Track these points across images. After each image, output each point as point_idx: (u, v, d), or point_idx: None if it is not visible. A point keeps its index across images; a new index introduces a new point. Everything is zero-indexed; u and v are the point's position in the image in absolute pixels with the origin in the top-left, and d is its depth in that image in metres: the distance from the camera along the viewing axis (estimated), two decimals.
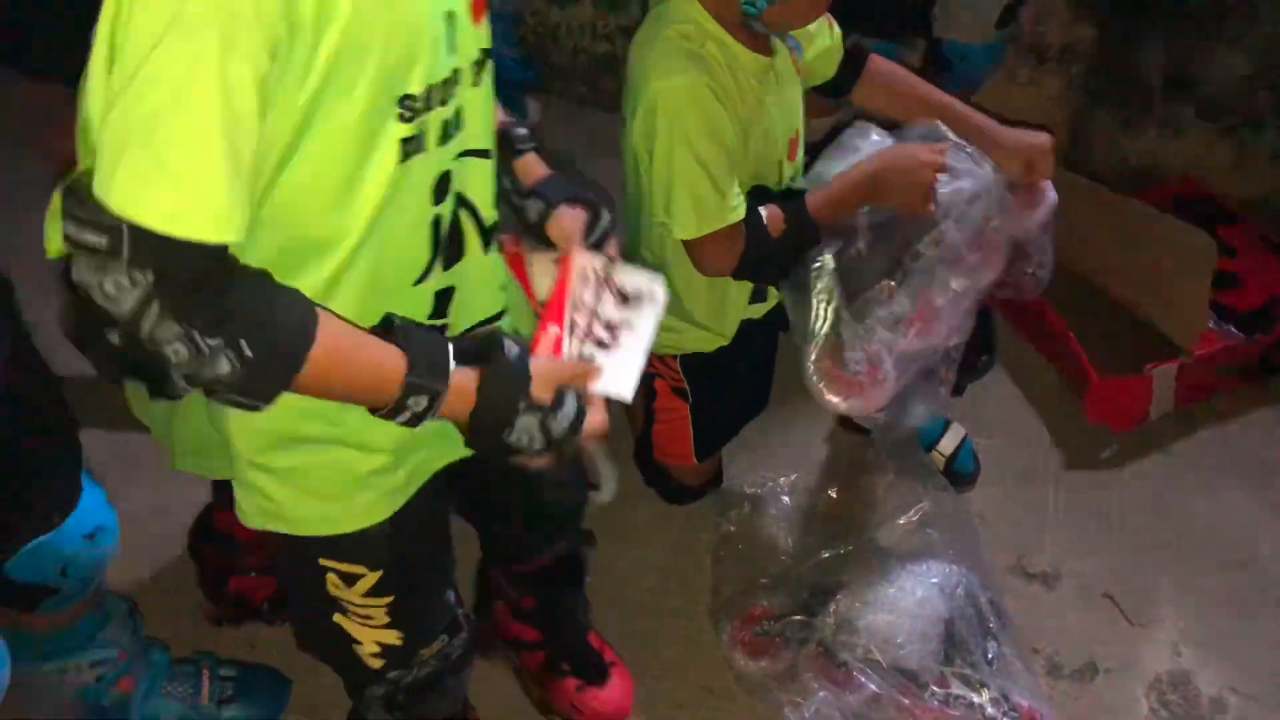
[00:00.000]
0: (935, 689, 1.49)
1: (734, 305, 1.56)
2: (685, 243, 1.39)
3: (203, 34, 0.70)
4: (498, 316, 1.06)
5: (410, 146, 0.85)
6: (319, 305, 0.83)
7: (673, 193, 1.34)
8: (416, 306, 0.95)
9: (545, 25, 2.65)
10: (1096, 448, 1.90)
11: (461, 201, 0.96)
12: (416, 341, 0.87)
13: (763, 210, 1.38)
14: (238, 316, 0.77)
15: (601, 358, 1.02)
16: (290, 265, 0.84)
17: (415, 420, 0.87)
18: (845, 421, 1.91)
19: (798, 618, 1.57)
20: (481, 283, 1.03)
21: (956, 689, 1.50)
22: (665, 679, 1.58)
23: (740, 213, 1.37)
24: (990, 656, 1.52)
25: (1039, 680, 1.55)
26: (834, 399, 1.44)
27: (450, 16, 0.87)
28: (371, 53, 0.79)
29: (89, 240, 0.72)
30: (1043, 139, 1.48)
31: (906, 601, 1.52)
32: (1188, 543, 1.76)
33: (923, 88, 1.56)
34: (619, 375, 1.02)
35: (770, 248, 1.38)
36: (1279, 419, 1.96)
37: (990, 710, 1.47)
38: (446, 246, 0.95)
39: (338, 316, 0.85)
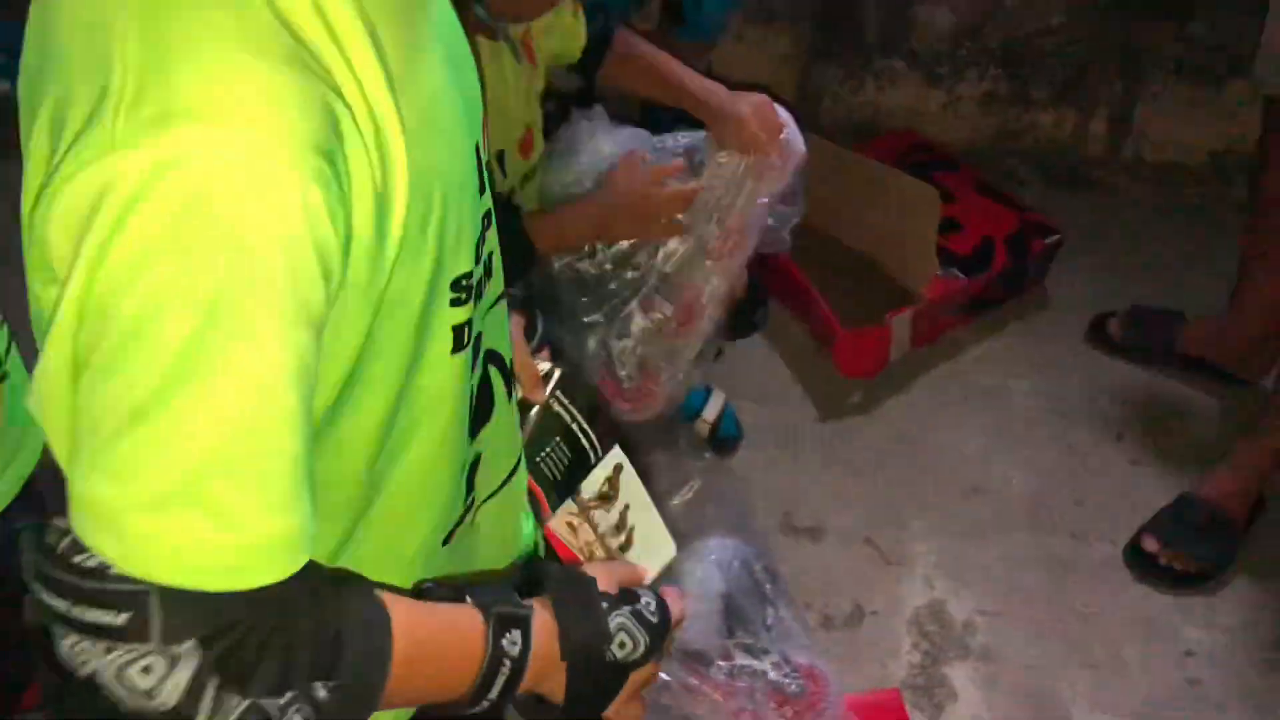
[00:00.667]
0: (721, 664, 1.55)
1: None
2: None
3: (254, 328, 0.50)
4: (515, 468, 0.89)
5: (461, 333, 0.67)
6: (379, 587, 0.64)
7: None
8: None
9: None
10: (844, 395, 2.03)
11: (490, 357, 0.78)
12: (475, 588, 0.71)
13: None
14: (304, 657, 0.57)
15: (633, 553, 1.00)
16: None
17: (509, 682, 0.68)
18: None
19: None
20: (507, 433, 0.85)
21: (741, 660, 1.56)
22: None
23: None
24: (769, 622, 1.59)
25: (813, 635, 1.65)
26: (624, 410, 1.47)
27: (500, 156, 0.77)
28: (430, 226, 0.61)
29: (93, 619, 0.52)
30: (758, 98, 1.49)
31: (686, 583, 1.57)
32: (931, 476, 1.91)
33: (663, 65, 1.53)
34: (654, 546, 1.02)
35: None
36: (998, 349, 2.15)
37: (773, 675, 1.54)
38: (475, 415, 0.77)
39: (399, 593, 0.67)
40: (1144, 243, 2.42)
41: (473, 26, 1.27)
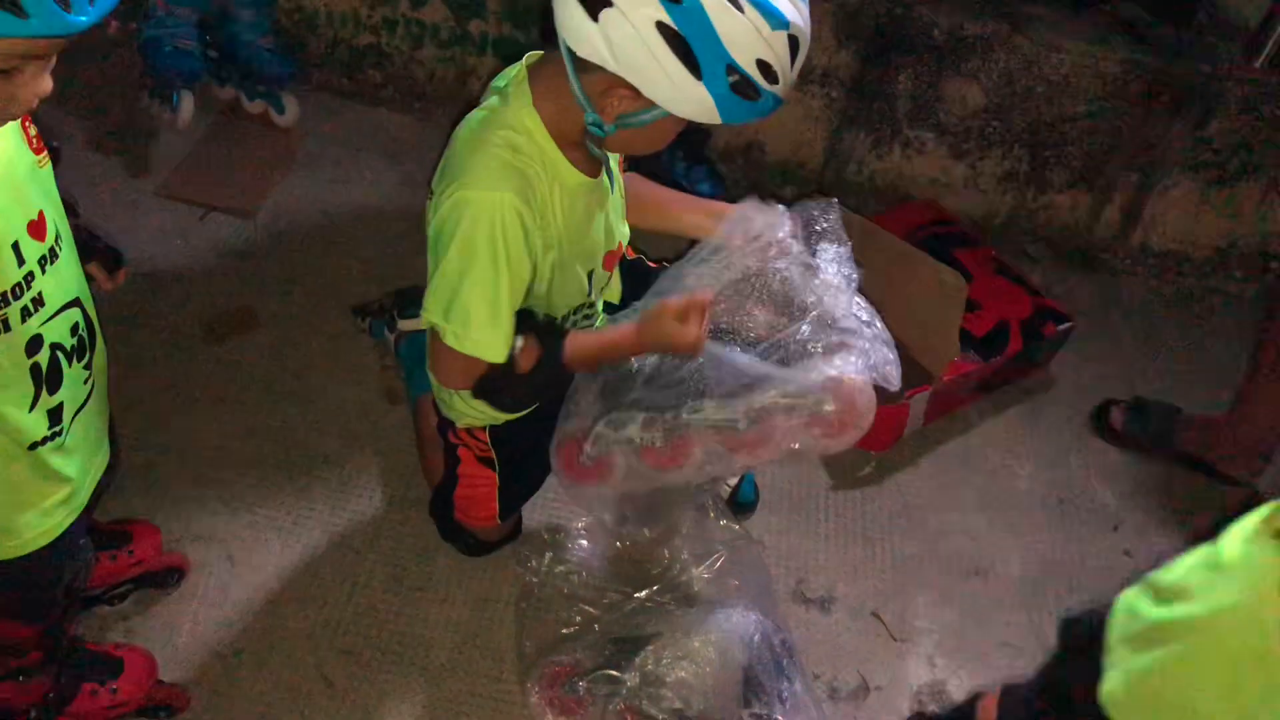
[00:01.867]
0: None
1: None
2: (433, 343, 1.36)
3: None
4: None
5: None
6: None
7: (456, 299, 1.29)
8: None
9: (302, 14, 2.45)
10: (857, 465, 2.08)
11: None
12: None
13: (519, 340, 1.34)
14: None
15: None
16: None
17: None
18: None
19: (604, 673, 1.62)
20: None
21: None
22: None
23: (497, 354, 1.33)
24: (784, 695, 1.64)
25: (824, 709, 1.70)
26: (564, 478, 1.56)
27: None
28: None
29: None
30: (727, 207, 1.55)
31: (709, 653, 1.61)
32: (936, 553, 1.97)
33: (651, 193, 1.61)
34: None
35: (512, 381, 1.36)
36: (1002, 429, 2.22)
37: None
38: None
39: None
40: (1145, 332, 2.51)
41: (581, 164, 1.33)
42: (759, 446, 1.41)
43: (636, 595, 1.72)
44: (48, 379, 1.17)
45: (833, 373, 1.38)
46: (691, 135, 1.68)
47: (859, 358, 1.40)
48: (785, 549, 1.93)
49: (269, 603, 1.70)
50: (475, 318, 1.29)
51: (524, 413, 1.58)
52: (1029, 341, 2.19)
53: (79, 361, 1.22)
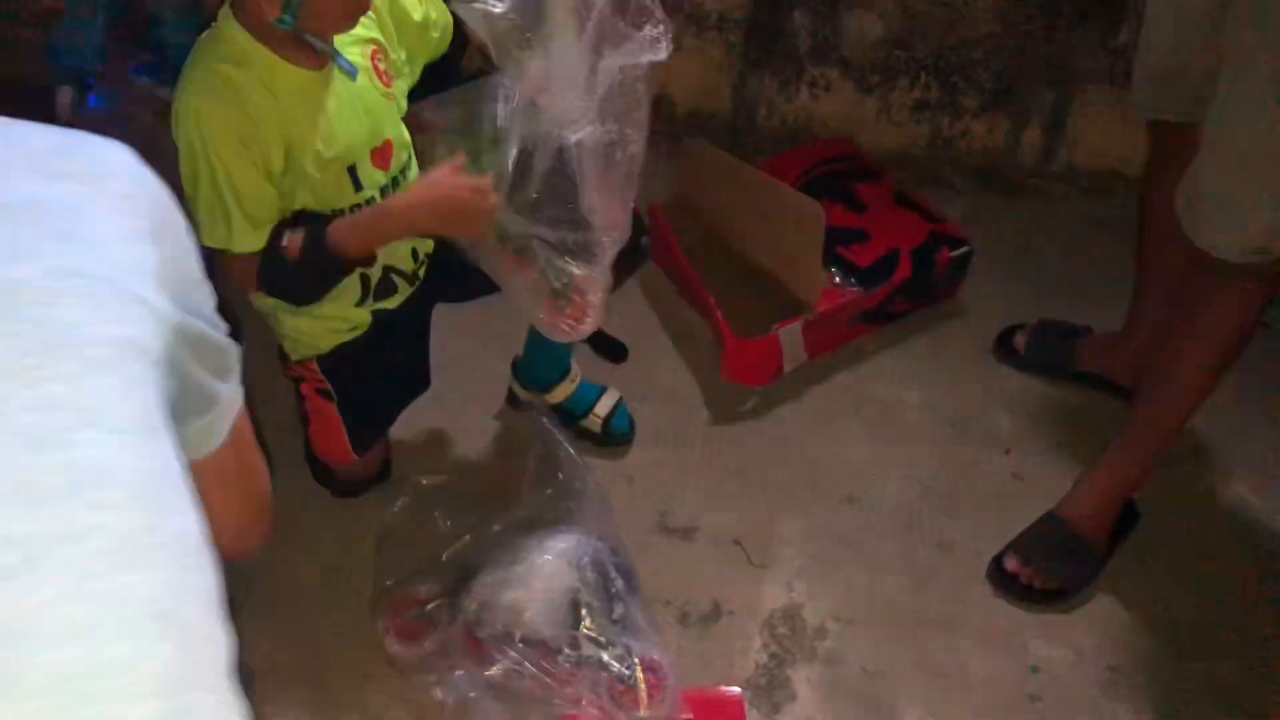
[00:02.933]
0: (568, 652, 1.65)
1: (341, 308, 1.62)
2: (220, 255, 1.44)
3: None
4: None
5: None
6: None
7: (198, 208, 1.39)
8: None
9: None
10: (739, 401, 2.10)
11: None
12: None
13: (285, 235, 1.42)
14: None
15: None
16: None
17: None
18: (511, 398, 2.04)
19: (444, 600, 1.70)
20: None
21: (587, 650, 1.66)
22: (328, 671, 1.68)
23: (248, 243, 1.41)
24: (616, 616, 1.68)
25: (663, 632, 1.73)
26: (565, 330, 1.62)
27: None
28: None
29: None
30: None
31: (535, 576, 1.67)
32: (809, 484, 1.97)
33: None
34: None
35: (286, 272, 1.44)
36: (900, 361, 2.19)
37: (615, 666, 1.65)
38: None
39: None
40: (1072, 254, 2.43)
41: (298, 58, 1.40)
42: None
43: (481, 526, 1.79)
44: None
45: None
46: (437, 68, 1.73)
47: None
48: (653, 482, 1.96)
49: None
50: (215, 214, 1.38)
51: (348, 340, 1.67)
52: (920, 269, 2.16)
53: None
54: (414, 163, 1.61)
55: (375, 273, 1.61)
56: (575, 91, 1.43)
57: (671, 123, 2.60)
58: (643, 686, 1.65)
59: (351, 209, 1.51)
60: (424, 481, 1.90)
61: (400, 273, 1.64)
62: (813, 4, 2.37)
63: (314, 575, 1.80)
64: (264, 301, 1.59)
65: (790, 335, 2.04)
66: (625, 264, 1.72)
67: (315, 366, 1.70)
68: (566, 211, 1.47)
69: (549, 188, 1.48)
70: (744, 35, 2.45)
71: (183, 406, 0.61)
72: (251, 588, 1.77)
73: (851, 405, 2.11)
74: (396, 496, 1.86)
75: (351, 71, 1.43)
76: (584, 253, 1.51)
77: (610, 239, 1.52)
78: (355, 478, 1.86)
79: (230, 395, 0.67)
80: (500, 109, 1.47)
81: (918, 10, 2.34)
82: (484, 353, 2.08)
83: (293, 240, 1.42)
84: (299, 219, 1.46)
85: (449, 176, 1.46)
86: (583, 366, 2.09)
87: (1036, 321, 2.18)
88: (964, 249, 2.20)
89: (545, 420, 1.85)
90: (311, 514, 1.87)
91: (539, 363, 1.97)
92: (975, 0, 2.31)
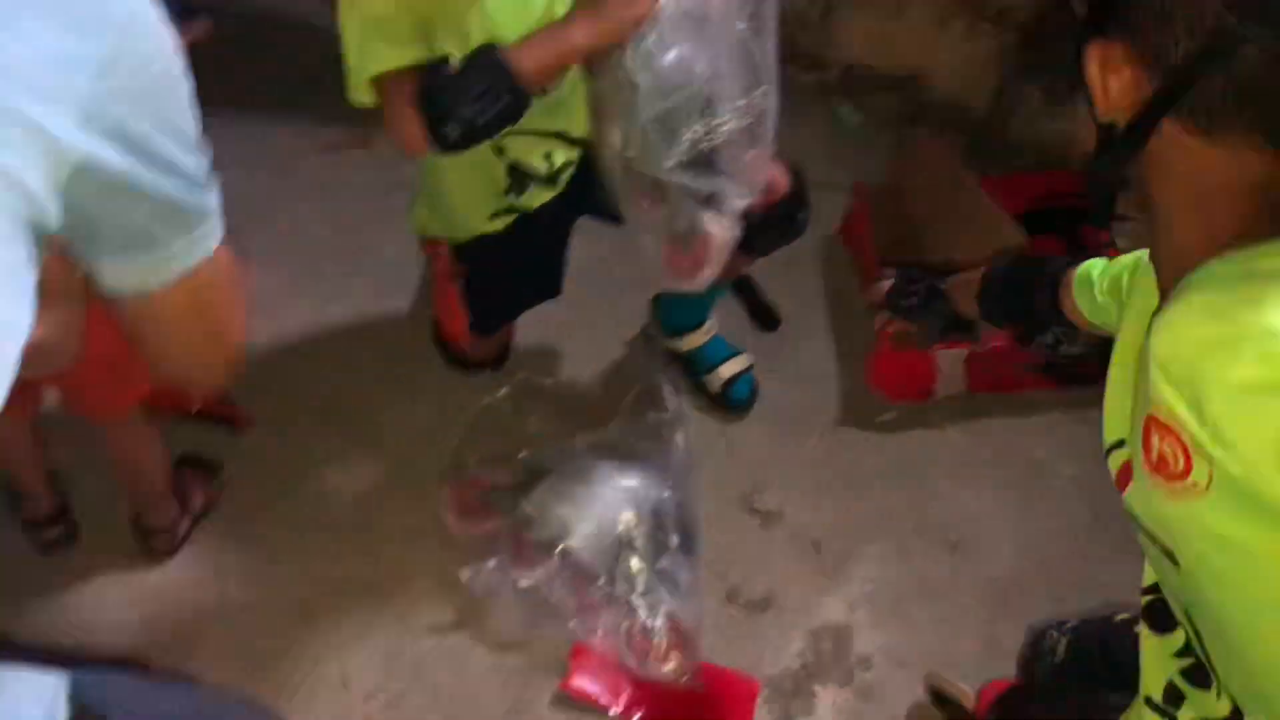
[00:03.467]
0: (602, 583, 1.63)
1: (483, 200, 1.62)
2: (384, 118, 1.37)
3: None
4: None
5: None
6: None
7: (348, 39, 1.33)
8: None
9: None
10: (878, 410, 1.96)
11: None
12: None
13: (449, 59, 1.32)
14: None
15: None
16: None
17: None
18: (645, 331, 2.01)
19: (509, 493, 1.71)
20: None
21: (620, 588, 1.63)
22: (381, 522, 1.74)
23: (384, 58, 1.31)
24: (660, 567, 1.64)
25: (705, 601, 1.67)
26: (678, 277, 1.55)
27: None
28: None
29: None
30: None
31: (593, 502, 1.64)
32: (916, 515, 1.83)
33: None
34: None
35: (450, 84, 1.27)
36: (1070, 427, 1.98)
37: (643, 614, 1.61)
38: None
39: None
40: None
41: None
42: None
43: (566, 437, 1.78)
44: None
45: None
46: None
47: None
48: (754, 458, 1.88)
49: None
50: (365, 39, 1.32)
51: (482, 234, 1.66)
52: None
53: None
54: None
55: (503, 164, 1.57)
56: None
57: (920, 106, 2.44)
58: (663, 642, 1.60)
59: None
60: (533, 379, 1.91)
61: (530, 173, 1.60)
62: None
63: (407, 430, 1.86)
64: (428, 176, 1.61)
65: (949, 360, 1.88)
66: (774, 233, 1.64)
67: (445, 249, 1.73)
68: (703, 158, 1.38)
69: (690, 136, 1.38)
70: (1021, 35, 2.24)
71: (105, 240, 0.64)
72: (349, 418, 1.85)
73: (997, 454, 1.93)
74: (503, 383, 1.88)
75: None
76: (714, 202, 1.43)
77: (739, 193, 1.43)
78: (471, 357, 1.90)
79: (180, 246, 0.67)
80: None
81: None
82: (641, 278, 2.05)
83: (458, 63, 1.30)
84: None
85: None
86: (732, 324, 2.02)
87: None
88: None
89: (661, 362, 1.81)
90: (427, 373, 1.93)
91: (675, 306, 1.92)
92: None
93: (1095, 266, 1.15)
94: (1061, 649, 1.61)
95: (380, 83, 1.33)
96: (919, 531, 1.81)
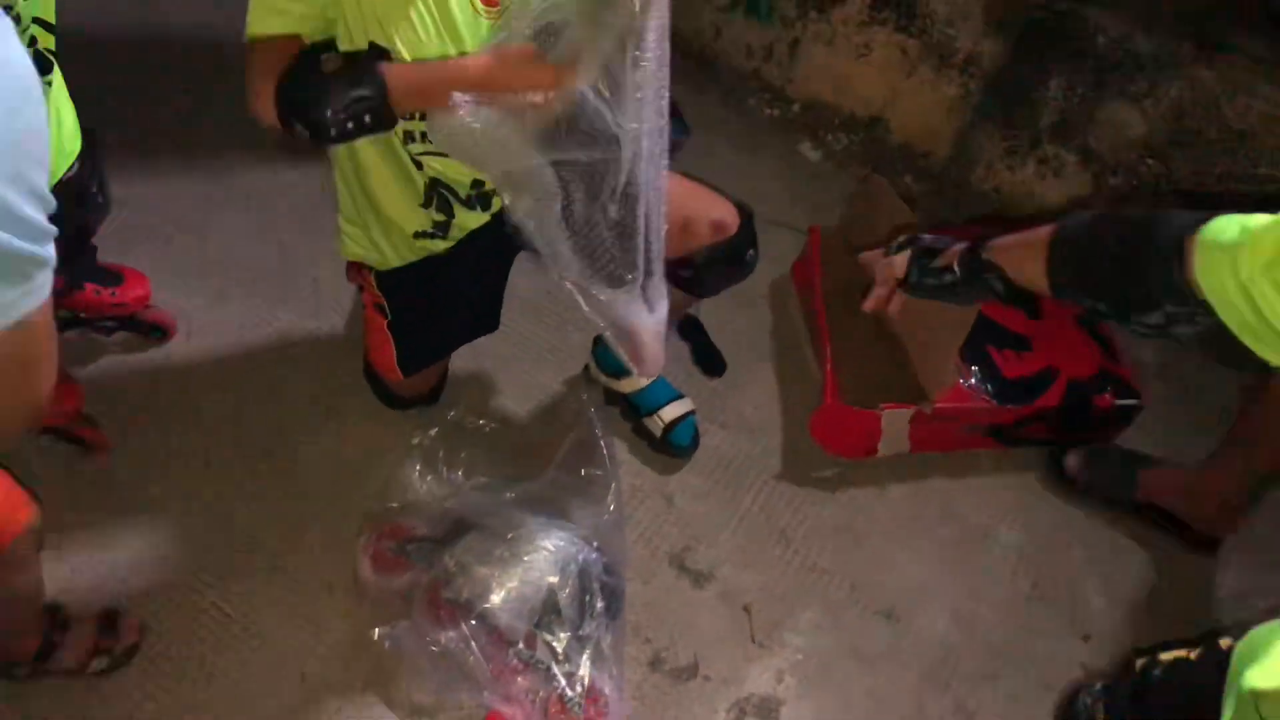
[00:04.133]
0: (521, 648, 1.55)
1: (410, 209, 1.52)
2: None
3: None
4: None
5: None
6: None
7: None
8: None
9: None
10: (819, 464, 1.91)
11: None
12: None
13: (331, 53, 1.25)
14: None
15: None
16: None
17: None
18: (586, 371, 1.93)
19: (429, 546, 1.63)
20: None
21: (540, 654, 1.55)
22: (297, 569, 1.64)
23: (264, 22, 1.24)
24: (584, 633, 1.57)
25: (628, 668, 1.60)
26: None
27: None
28: None
29: None
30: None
31: (517, 561, 1.57)
32: (852, 581, 1.78)
33: None
34: None
35: (310, 84, 1.20)
36: (1016, 490, 1.94)
37: (562, 682, 1.54)
38: None
39: None
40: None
41: None
42: None
43: (492, 487, 1.70)
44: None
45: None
46: None
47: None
48: (689, 512, 1.82)
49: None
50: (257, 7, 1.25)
51: (406, 262, 1.59)
52: (1072, 404, 1.89)
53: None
54: None
55: (421, 179, 1.48)
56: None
57: (880, 148, 2.39)
58: (579, 712, 1.53)
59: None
60: (466, 420, 1.83)
61: (454, 194, 1.51)
62: (1077, 78, 2.09)
63: (330, 469, 1.77)
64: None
65: (895, 420, 1.83)
66: (721, 272, 1.60)
67: (371, 278, 1.64)
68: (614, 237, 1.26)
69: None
70: (985, 85, 2.20)
71: None
72: (269, 449, 1.76)
73: (936, 515, 1.89)
74: (433, 424, 1.80)
75: None
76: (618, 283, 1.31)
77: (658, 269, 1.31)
78: (401, 393, 1.81)
79: (10, 298, 0.67)
80: None
81: (1192, 122, 2.02)
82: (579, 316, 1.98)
83: (335, 58, 1.24)
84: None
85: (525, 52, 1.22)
86: (674, 367, 1.96)
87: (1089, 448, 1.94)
88: (1132, 402, 1.91)
89: (594, 412, 1.74)
90: (353, 405, 1.84)
91: None
92: (1269, 138, 1.96)
93: (1228, 228, 0.93)
94: (1100, 714, 1.59)
95: (254, 43, 1.25)
96: (855, 597, 1.76)
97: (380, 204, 1.52)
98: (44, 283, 0.70)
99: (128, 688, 1.48)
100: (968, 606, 1.78)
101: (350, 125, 1.21)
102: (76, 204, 1.49)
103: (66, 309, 1.80)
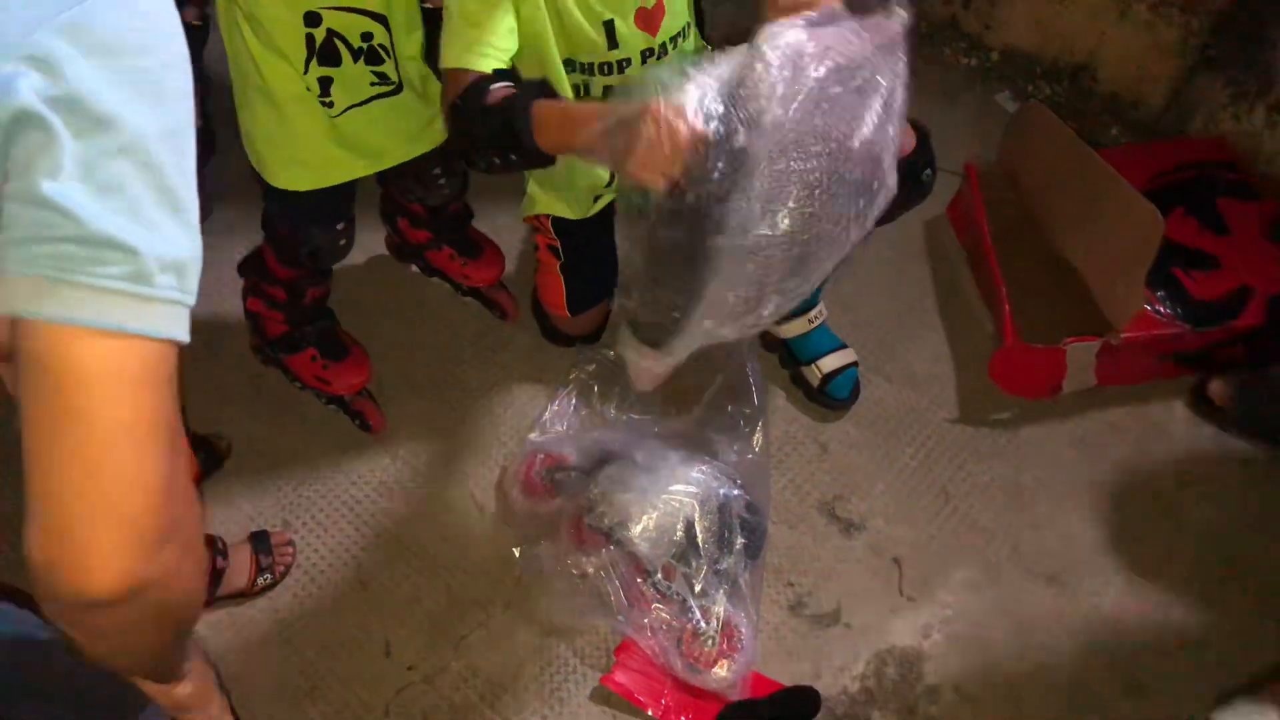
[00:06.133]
0: (658, 578, 1.57)
1: (582, 174, 1.58)
2: None
3: None
4: None
5: None
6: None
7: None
8: None
9: None
10: (995, 408, 1.81)
11: None
12: None
13: (504, 82, 1.27)
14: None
15: None
16: None
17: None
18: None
19: (578, 475, 1.67)
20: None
21: (677, 585, 1.57)
22: (450, 490, 1.72)
23: (460, 60, 1.27)
24: (721, 568, 1.56)
25: (766, 608, 1.58)
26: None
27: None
28: None
29: None
30: None
31: (654, 493, 1.58)
32: (1015, 540, 1.67)
33: None
34: None
35: (476, 111, 1.24)
36: (1191, 465, 1.76)
37: (696, 614, 1.54)
38: None
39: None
40: None
41: None
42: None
43: (642, 420, 1.72)
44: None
45: None
46: None
47: None
48: (843, 462, 1.77)
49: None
50: (451, 36, 1.31)
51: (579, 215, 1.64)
52: (1276, 321, 1.69)
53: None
54: (693, 34, 1.49)
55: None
56: None
57: (1085, 98, 2.22)
58: (713, 647, 1.53)
59: (602, 66, 1.43)
60: (621, 357, 1.86)
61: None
62: None
63: (492, 396, 1.84)
64: None
65: (1081, 354, 1.70)
66: (899, 194, 1.49)
67: (547, 222, 1.70)
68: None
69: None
70: (1211, 24, 1.99)
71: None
72: (438, 382, 1.86)
73: (1114, 465, 1.75)
74: (593, 359, 1.84)
75: None
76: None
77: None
78: (567, 330, 1.86)
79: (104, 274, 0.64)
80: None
81: None
82: None
83: (501, 89, 1.25)
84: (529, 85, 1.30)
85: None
86: (842, 319, 1.91)
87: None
88: None
89: (750, 353, 1.72)
90: (521, 339, 1.91)
91: None
92: None
93: None
94: None
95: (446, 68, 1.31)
96: (1015, 559, 1.66)
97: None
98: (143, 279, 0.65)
99: (288, 600, 1.60)
100: (1143, 579, 1.63)
101: (498, 163, 1.25)
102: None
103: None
